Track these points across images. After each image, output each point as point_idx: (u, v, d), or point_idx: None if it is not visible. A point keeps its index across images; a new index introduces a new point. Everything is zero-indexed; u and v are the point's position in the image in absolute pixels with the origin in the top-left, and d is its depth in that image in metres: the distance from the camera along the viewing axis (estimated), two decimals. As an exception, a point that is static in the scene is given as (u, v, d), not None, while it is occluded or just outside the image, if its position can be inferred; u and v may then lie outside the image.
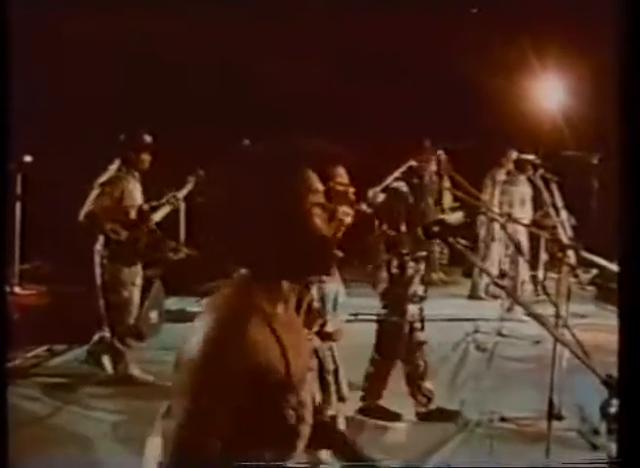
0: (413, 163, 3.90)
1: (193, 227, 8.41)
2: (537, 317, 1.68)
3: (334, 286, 2.77)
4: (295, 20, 10.19)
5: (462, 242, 1.63)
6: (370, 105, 10.61)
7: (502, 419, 5.00)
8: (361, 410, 5.04)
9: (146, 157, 5.84)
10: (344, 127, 9.51)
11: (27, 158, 8.24)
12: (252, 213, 1.63)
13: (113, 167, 5.78)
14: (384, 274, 4.82)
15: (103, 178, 5.72)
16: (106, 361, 5.91)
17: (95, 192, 5.67)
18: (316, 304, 2.68)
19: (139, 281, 5.91)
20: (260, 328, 1.58)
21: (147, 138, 5.86)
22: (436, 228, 1.63)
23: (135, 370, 5.84)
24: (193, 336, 1.54)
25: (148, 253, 5.88)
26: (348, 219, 2.65)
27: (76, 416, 5.17)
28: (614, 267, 3.69)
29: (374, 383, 5.07)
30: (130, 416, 5.07)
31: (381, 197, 4.27)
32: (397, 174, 3.82)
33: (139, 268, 5.89)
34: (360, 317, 7.98)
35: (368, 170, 3.87)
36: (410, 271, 4.84)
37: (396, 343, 4.97)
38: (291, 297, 1.71)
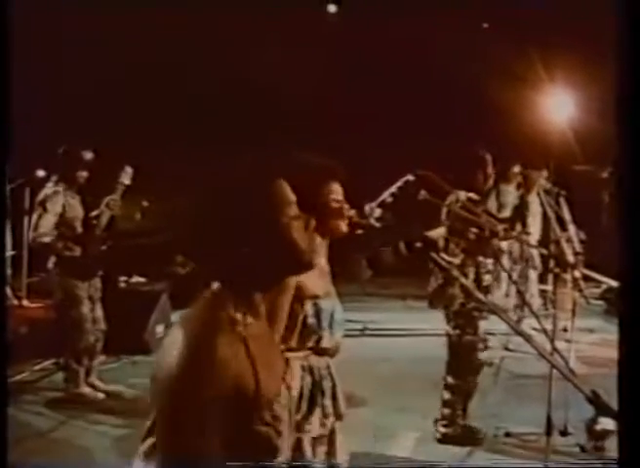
0: (409, 177, 3.90)
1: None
2: (521, 333, 1.67)
3: (330, 302, 2.75)
4: (292, 30, 10.23)
5: (446, 258, 1.63)
6: (373, 118, 10.62)
7: (507, 434, 4.96)
8: (441, 439, 4.94)
9: (83, 174, 5.78)
10: (345, 140, 9.51)
11: (40, 172, 8.31)
12: (223, 224, 1.64)
13: (49, 184, 5.74)
14: (457, 289, 4.69)
15: (41, 196, 5.71)
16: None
17: (36, 212, 5.66)
18: (311, 320, 2.66)
19: (97, 294, 5.86)
20: (231, 341, 1.58)
21: (87, 155, 5.79)
22: (418, 244, 1.62)
23: (85, 389, 5.78)
24: (166, 351, 1.55)
25: (146, 266, 5.88)
26: (343, 228, 2.65)
27: (80, 430, 5.18)
28: (614, 283, 3.66)
29: (454, 409, 4.92)
30: (134, 430, 5.06)
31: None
32: (394, 188, 3.82)
33: (95, 281, 5.84)
34: (367, 332, 8.05)
35: (370, 184, 3.88)
36: (485, 283, 4.79)
37: (475, 363, 4.91)
38: (262, 308, 1.71)
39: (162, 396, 1.53)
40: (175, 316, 7.74)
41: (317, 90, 10.53)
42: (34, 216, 5.67)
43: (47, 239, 5.58)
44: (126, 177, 5.84)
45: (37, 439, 4.94)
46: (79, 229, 5.75)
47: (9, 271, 7.35)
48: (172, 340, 1.56)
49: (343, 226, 2.65)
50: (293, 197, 1.68)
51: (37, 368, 6.38)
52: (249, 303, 1.66)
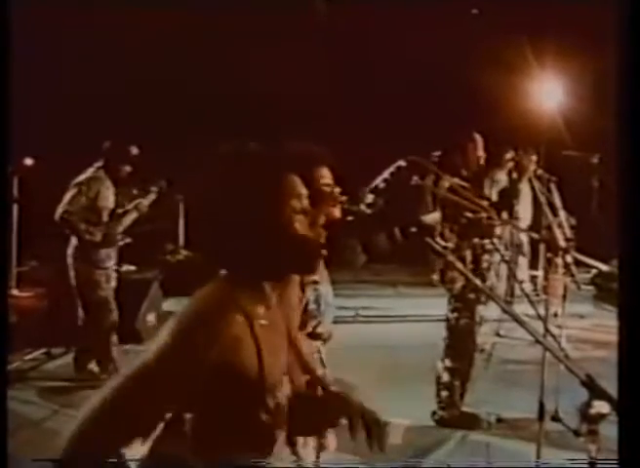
0: (401, 163, 3.89)
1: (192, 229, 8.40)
2: (515, 317, 1.67)
3: (325, 287, 2.75)
4: (284, 21, 10.20)
5: (441, 242, 1.62)
6: (363, 105, 10.60)
7: (499, 420, 4.98)
8: (440, 421, 4.97)
9: (126, 168, 5.90)
10: (336, 127, 9.50)
11: (28, 161, 8.25)
12: (232, 214, 1.63)
13: (91, 169, 5.84)
14: (456, 273, 4.66)
15: (80, 178, 5.79)
16: (94, 366, 5.94)
17: (71, 192, 5.73)
18: (312, 306, 2.67)
19: (113, 283, 5.96)
20: (238, 326, 1.57)
21: (133, 150, 5.92)
22: (413, 229, 1.61)
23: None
24: (165, 327, 1.56)
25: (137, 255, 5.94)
26: (336, 217, 2.64)
27: (73, 420, 5.15)
28: (606, 268, 3.67)
29: (452, 392, 4.94)
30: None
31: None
32: (386, 174, 3.80)
33: (110, 270, 5.93)
34: (359, 318, 8.05)
35: (362, 169, 3.86)
36: (484, 264, 4.80)
37: (471, 346, 4.95)
38: (273, 299, 1.70)
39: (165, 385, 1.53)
40: (166, 304, 7.73)
41: (307, 78, 10.49)
42: (67, 194, 5.72)
43: (71, 217, 5.64)
44: (158, 188, 6.05)
45: (31, 429, 4.92)
46: (105, 219, 5.83)
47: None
48: (174, 317, 1.57)
49: (337, 212, 2.64)
50: (303, 191, 1.68)
51: (28, 357, 6.36)
52: (258, 293, 1.66)
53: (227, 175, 1.68)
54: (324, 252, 1.70)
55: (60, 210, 5.69)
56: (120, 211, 5.95)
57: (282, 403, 1.64)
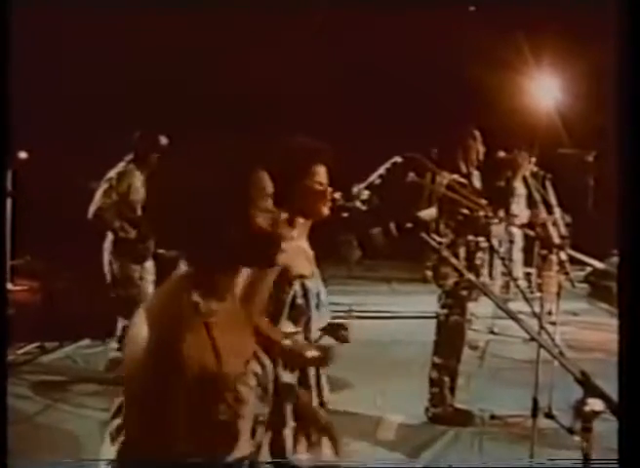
0: (397, 159, 3.89)
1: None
2: (509, 313, 1.67)
3: (315, 283, 2.74)
4: (279, 15, 10.18)
5: (436, 238, 1.62)
6: (360, 102, 10.60)
7: (493, 417, 4.98)
8: (433, 418, 4.98)
9: (156, 158, 5.84)
10: (333, 124, 9.49)
11: (22, 154, 8.23)
12: (195, 208, 1.65)
13: (122, 163, 5.79)
14: (449, 268, 4.66)
15: (111, 174, 5.75)
16: None
17: (102, 187, 5.70)
18: (299, 300, 2.66)
19: (150, 277, 5.88)
20: (193, 324, 1.59)
21: (163, 140, 5.85)
22: (409, 224, 1.61)
23: None
24: (131, 340, 1.58)
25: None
26: (324, 212, 2.65)
27: (66, 414, 5.15)
28: (601, 265, 3.68)
29: (441, 388, 4.95)
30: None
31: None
32: (382, 170, 3.80)
33: (149, 264, 5.87)
34: (354, 314, 8.04)
35: (359, 166, 3.87)
36: (478, 261, 4.80)
37: (459, 343, 4.94)
38: (229, 292, 1.72)
39: (129, 383, 1.56)
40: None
41: (305, 75, 10.48)
42: (99, 191, 5.69)
43: (104, 214, 5.62)
44: None
45: (24, 423, 4.91)
46: (139, 212, 5.81)
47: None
48: (136, 330, 1.58)
49: (325, 210, 2.66)
50: (270, 189, 1.69)
51: (21, 351, 6.35)
52: (212, 287, 1.67)
53: (196, 168, 1.69)
54: (283, 245, 1.71)
55: (92, 208, 5.65)
56: None
57: (245, 397, 1.65)
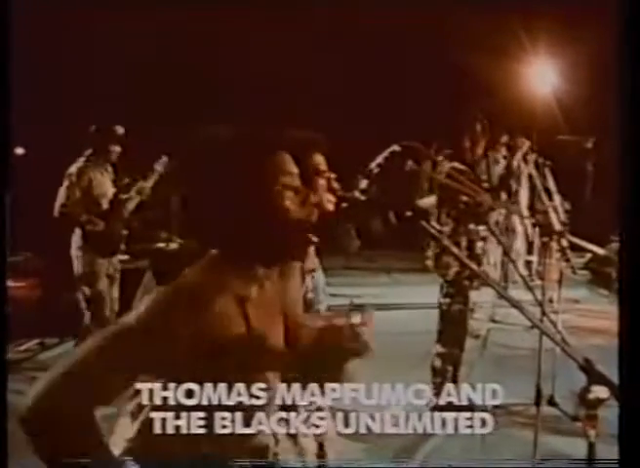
0: (395, 148, 3.86)
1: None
2: (511, 301, 1.65)
3: (320, 276, 2.74)
4: (282, 10, 10.15)
5: (436, 226, 1.59)
6: (359, 91, 10.56)
7: (495, 406, 4.95)
8: (435, 408, 4.93)
9: (116, 148, 5.83)
10: (332, 114, 9.46)
11: (19, 150, 8.20)
12: (222, 194, 1.62)
13: (81, 158, 5.78)
14: (451, 258, 4.62)
15: (71, 169, 5.74)
16: None
17: (64, 184, 5.70)
18: (310, 295, 2.66)
19: (115, 273, 5.91)
20: (227, 304, 1.56)
21: (119, 130, 5.84)
22: (409, 213, 1.59)
23: None
24: (150, 296, 1.56)
25: (130, 244, 5.89)
26: (330, 206, 2.61)
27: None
28: (602, 251, 3.65)
29: (444, 377, 4.93)
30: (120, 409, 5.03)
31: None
32: (380, 159, 3.77)
33: (115, 260, 5.89)
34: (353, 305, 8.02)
35: (358, 156, 3.84)
36: (479, 251, 4.79)
37: (462, 332, 4.94)
38: (266, 283, 1.67)
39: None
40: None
41: (301, 64, 10.45)
42: (62, 188, 5.69)
43: (69, 210, 5.63)
44: (161, 166, 5.93)
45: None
46: (105, 206, 5.78)
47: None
48: (162, 288, 1.57)
49: (330, 204, 2.62)
50: (294, 169, 1.65)
51: (21, 348, 6.33)
52: (250, 273, 1.64)
53: (215, 156, 1.67)
54: (314, 237, 1.68)
55: (56, 205, 5.65)
56: (124, 196, 5.88)
57: (273, 383, 1.63)
